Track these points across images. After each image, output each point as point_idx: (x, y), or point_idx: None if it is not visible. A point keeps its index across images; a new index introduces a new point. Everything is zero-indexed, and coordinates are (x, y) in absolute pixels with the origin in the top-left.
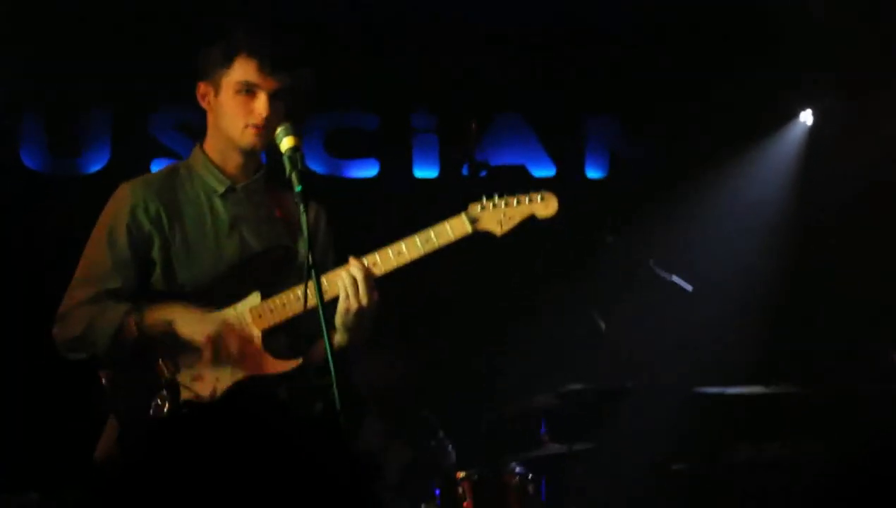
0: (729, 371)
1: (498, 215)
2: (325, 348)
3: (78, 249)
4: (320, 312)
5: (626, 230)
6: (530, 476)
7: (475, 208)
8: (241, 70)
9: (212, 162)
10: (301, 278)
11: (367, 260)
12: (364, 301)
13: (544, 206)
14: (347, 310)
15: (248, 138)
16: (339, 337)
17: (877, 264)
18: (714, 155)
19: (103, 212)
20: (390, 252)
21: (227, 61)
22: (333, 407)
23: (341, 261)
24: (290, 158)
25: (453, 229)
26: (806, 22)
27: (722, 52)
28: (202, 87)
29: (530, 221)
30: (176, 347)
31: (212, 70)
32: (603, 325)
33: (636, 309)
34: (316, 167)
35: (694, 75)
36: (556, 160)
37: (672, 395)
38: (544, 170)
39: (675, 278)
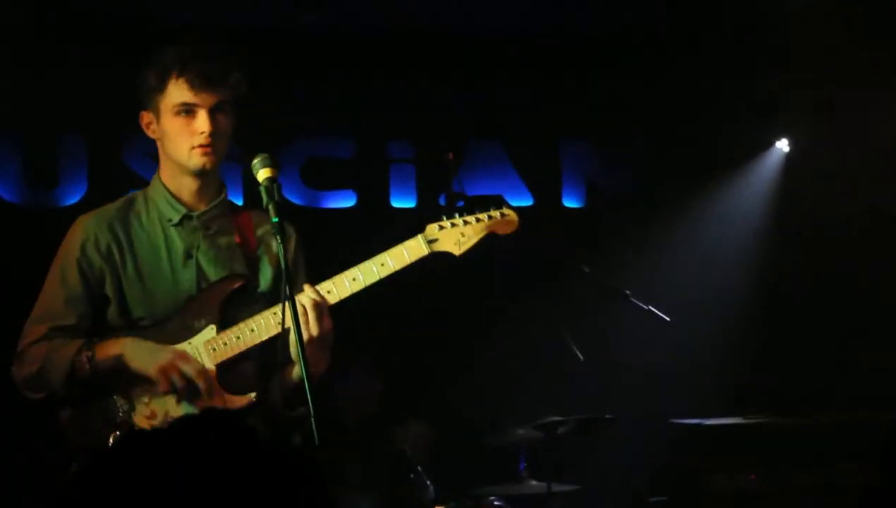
0: (706, 401)
1: (455, 235)
2: (301, 376)
3: None
4: (299, 339)
5: (603, 259)
6: None
7: (432, 229)
8: (176, 91)
9: (168, 190)
10: (258, 308)
11: (322, 288)
12: (314, 331)
13: (504, 223)
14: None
15: (195, 159)
16: (295, 369)
17: (853, 291)
18: (691, 184)
19: (59, 250)
20: (345, 279)
21: (161, 85)
22: (312, 440)
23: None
24: (267, 189)
25: (409, 252)
26: (782, 50)
27: (698, 81)
28: (145, 117)
29: (491, 239)
30: (130, 382)
31: (150, 97)
32: (581, 356)
33: (613, 339)
34: (293, 198)
35: (670, 104)
36: (533, 189)
37: (649, 426)
38: (521, 200)
39: (651, 308)
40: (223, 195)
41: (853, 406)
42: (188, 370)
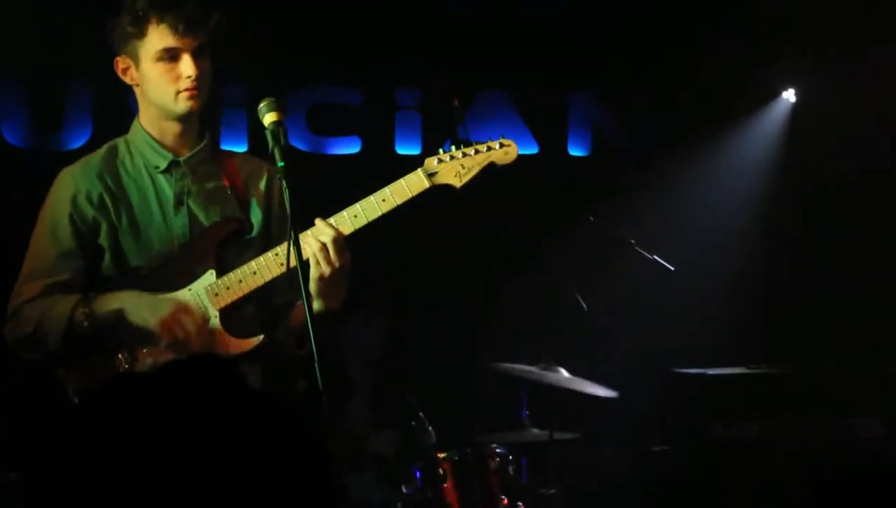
0: (709, 351)
1: (455, 167)
2: (305, 316)
3: None
4: (301, 280)
5: (609, 208)
6: (511, 457)
7: (431, 162)
8: (157, 37)
9: (150, 136)
10: (253, 250)
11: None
12: (337, 263)
13: (503, 154)
14: (321, 277)
15: (182, 103)
16: (315, 304)
17: (859, 244)
18: (698, 133)
19: (45, 203)
20: (346, 215)
21: (139, 31)
22: (316, 384)
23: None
24: (273, 133)
25: (410, 185)
26: (790, 2)
27: (705, 30)
28: (121, 62)
29: (491, 169)
30: (131, 336)
31: (125, 42)
32: (585, 305)
33: (618, 288)
34: (298, 144)
35: (677, 53)
36: (539, 138)
37: (652, 376)
38: (527, 148)
39: (656, 257)
40: (207, 139)
41: (855, 357)
42: (189, 323)
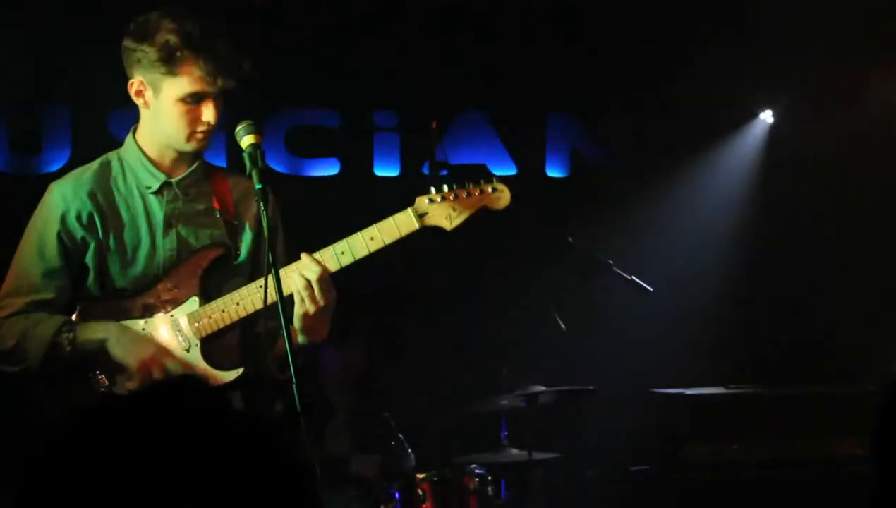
0: (688, 371)
1: (446, 209)
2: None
3: None
4: (280, 311)
5: (587, 229)
6: (490, 477)
7: (422, 202)
8: (187, 81)
9: (146, 155)
10: (240, 278)
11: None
12: (322, 302)
13: (496, 198)
14: (305, 314)
15: (193, 144)
16: (299, 339)
17: (837, 262)
18: (675, 154)
19: (33, 218)
20: (332, 251)
21: (169, 67)
22: (294, 408)
23: (291, 253)
24: (251, 155)
25: (399, 225)
26: (767, 20)
27: (682, 52)
28: (137, 85)
29: (483, 213)
30: (110, 365)
31: (147, 71)
32: (563, 326)
33: (596, 309)
34: (277, 166)
35: (654, 74)
36: (517, 158)
37: (631, 396)
38: (505, 169)
39: (634, 278)
40: (200, 159)
41: (835, 378)
42: (170, 365)
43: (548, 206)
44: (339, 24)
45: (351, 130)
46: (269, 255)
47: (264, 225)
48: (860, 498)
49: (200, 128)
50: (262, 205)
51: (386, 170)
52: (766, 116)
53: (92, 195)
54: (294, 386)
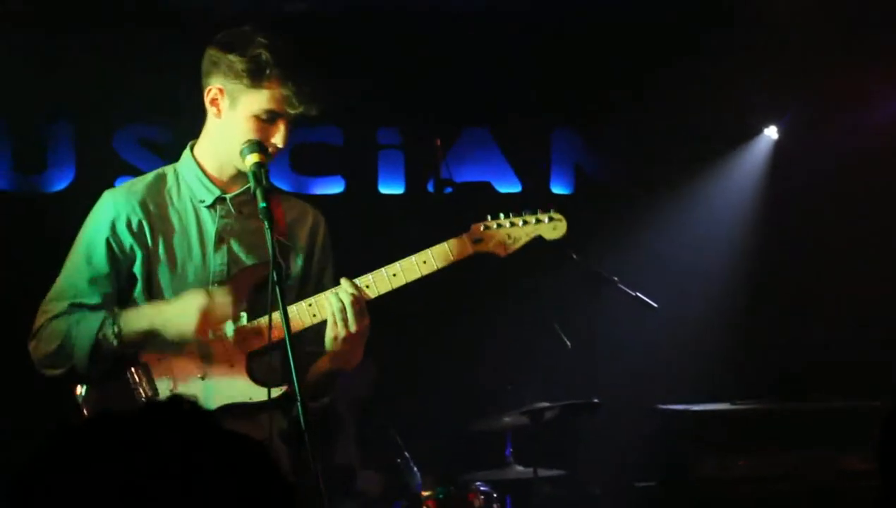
0: (694, 387)
1: (502, 236)
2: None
3: (43, 266)
4: (286, 335)
5: (592, 245)
6: (495, 494)
7: (478, 228)
8: (270, 97)
9: (202, 169)
10: (291, 297)
11: (360, 282)
12: (353, 328)
13: (552, 228)
14: (335, 337)
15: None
16: (329, 363)
17: (843, 277)
18: (680, 171)
19: (84, 224)
20: (385, 273)
21: (255, 81)
22: (298, 426)
23: (342, 274)
24: (255, 174)
25: (453, 250)
26: (771, 36)
27: (686, 68)
28: (214, 91)
29: (537, 242)
30: (156, 348)
31: (231, 78)
32: (568, 342)
33: (600, 325)
34: (281, 184)
35: (659, 90)
36: (522, 176)
37: (637, 412)
38: (510, 186)
39: (639, 294)
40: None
41: (842, 392)
42: (220, 313)
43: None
44: (342, 42)
45: (355, 148)
46: (273, 274)
47: (269, 243)
48: None
49: (268, 149)
50: (266, 223)
51: (391, 187)
52: (771, 132)
53: (143, 204)
54: (299, 403)
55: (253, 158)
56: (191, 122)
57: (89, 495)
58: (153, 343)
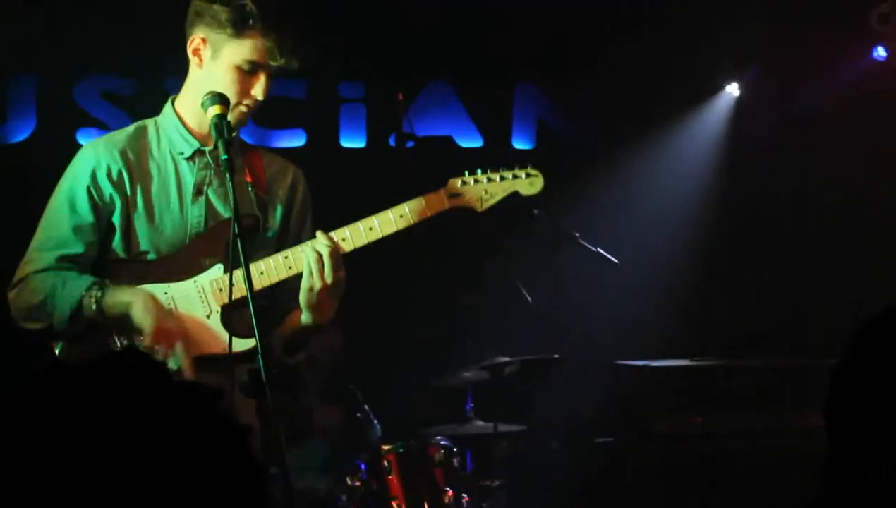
0: (654, 343)
1: (479, 191)
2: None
3: (4, 217)
4: (248, 290)
5: (553, 201)
6: (455, 449)
7: (455, 183)
8: (252, 48)
9: (182, 122)
10: (267, 250)
11: (336, 235)
12: (329, 279)
13: (529, 183)
14: (311, 289)
15: (237, 116)
16: (303, 317)
17: (802, 238)
18: (641, 126)
19: (65, 174)
20: (361, 227)
21: (239, 31)
22: (259, 378)
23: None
24: (216, 126)
25: (430, 204)
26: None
27: (648, 23)
28: (196, 40)
29: (513, 197)
30: (130, 326)
31: (214, 28)
32: (529, 298)
33: (562, 281)
34: (243, 137)
35: (621, 47)
36: (483, 131)
37: (597, 368)
38: (471, 141)
39: (600, 250)
40: (236, 132)
41: (798, 350)
42: (179, 352)
43: None
44: None
45: (317, 101)
46: (235, 227)
47: (230, 195)
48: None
49: (246, 101)
50: (227, 175)
51: (352, 141)
52: (733, 89)
53: (123, 154)
54: (259, 356)
55: (215, 110)
56: (153, 74)
57: (35, 449)
58: (124, 321)
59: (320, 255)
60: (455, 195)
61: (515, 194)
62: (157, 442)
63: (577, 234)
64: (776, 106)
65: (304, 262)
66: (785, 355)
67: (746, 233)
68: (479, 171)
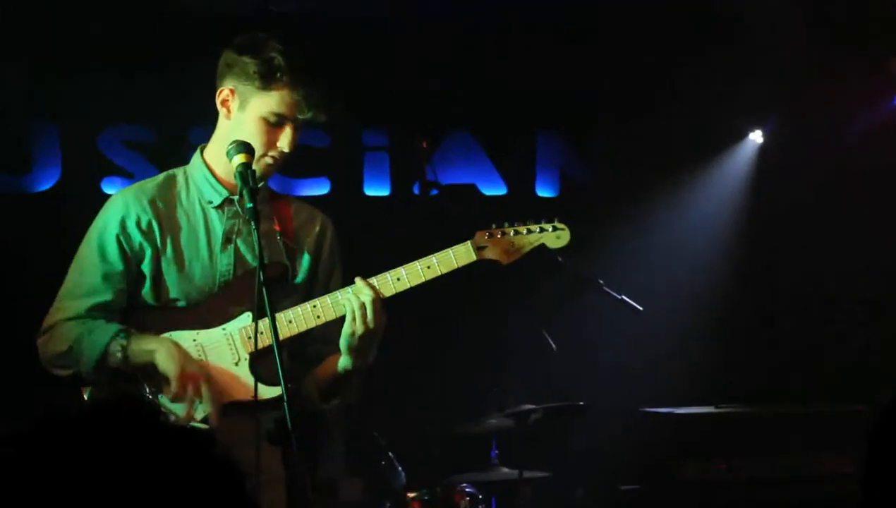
0: (677, 391)
1: (506, 245)
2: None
3: (31, 265)
4: (273, 339)
5: (577, 249)
6: (480, 496)
7: (482, 236)
8: (279, 101)
9: (211, 171)
10: (295, 298)
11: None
12: (372, 324)
13: (556, 237)
14: (353, 333)
15: (262, 167)
16: (342, 361)
17: (827, 285)
18: (665, 175)
19: (94, 223)
20: (389, 277)
21: (266, 84)
22: (284, 426)
23: (349, 278)
24: (241, 174)
25: (457, 257)
26: (755, 41)
27: (671, 72)
28: (225, 92)
29: (539, 251)
30: (157, 374)
31: (243, 80)
32: (553, 345)
33: (586, 328)
34: (268, 185)
35: (644, 94)
36: (507, 179)
37: (621, 415)
38: (495, 189)
39: (624, 298)
40: (264, 182)
41: (824, 398)
42: (206, 398)
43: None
44: (329, 43)
45: (341, 149)
46: (261, 274)
47: (255, 244)
48: None
49: (272, 152)
50: (252, 224)
51: (376, 189)
52: (756, 136)
53: (153, 203)
54: (285, 403)
55: (240, 159)
56: (175, 123)
57: (29, 497)
58: (150, 368)
59: (363, 303)
60: (482, 247)
61: (542, 247)
62: (150, 488)
63: (601, 281)
64: (800, 153)
65: (348, 309)
66: (810, 401)
67: (772, 281)
68: (507, 224)
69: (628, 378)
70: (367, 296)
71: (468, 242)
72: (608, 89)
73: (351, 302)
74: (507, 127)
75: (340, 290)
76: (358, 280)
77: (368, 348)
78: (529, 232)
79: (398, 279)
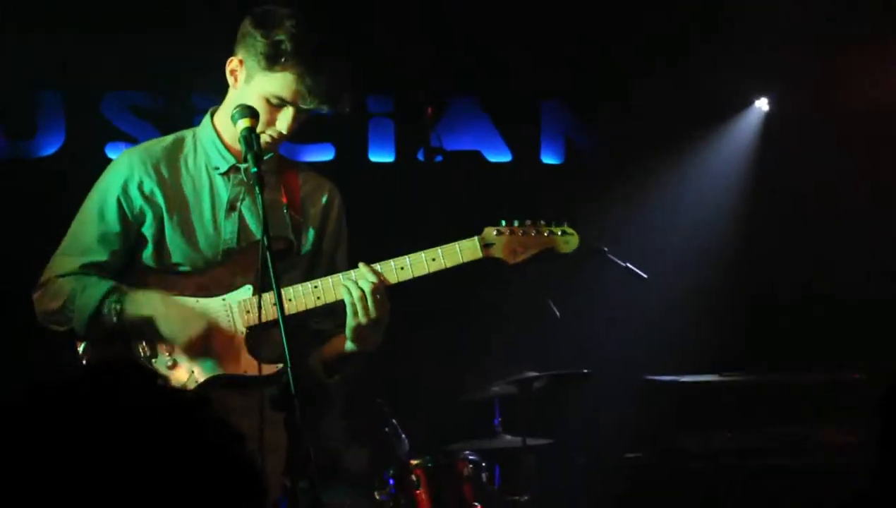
0: (682, 358)
1: (513, 244)
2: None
3: (35, 230)
4: (280, 316)
5: (582, 216)
6: (484, 464)
7: (490, 233)
8: (282, 84)
9: (220, 137)
10: (298, 272)
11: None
12: (373, 315)
13: (564, 242)
14: (357, 324)
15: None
16: (348, 345)
17: (834, 251)
18: (670, 141)
19: (97, 182)
20: (392, 265)
21: (270, 66)
22: (288, 390)
23: (354, 252)
24: (246, 139)
25: (463, 252)
26: (763, 8)
27: (676, 39)
28: (235, 61)
29: (547, 255)
30: (154, 335)
31: (251, 56)
32: (558, 313)
33: (591, 296)
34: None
35: (649, 63)
36: (512, 146)
37: (625, 383)
38: (500, 156)
39: (629, 265)
40: (274, 152)
41: (829, 365)
42: (216, 343)
43: (542, 193)
44: (334, 8)
45: (345, 116)
46: (265, 239)
47: (259, 209)
48: (852, 486)
49: (270, 132)
50: (257, 189)
51: (381, 155)
52: (762, 104)
53: (158, 168)
54: (288, 369)
55: (244, 123)
56: (179, 88)
57: (21, 464)
58: (147, 330)
59: (364, 292)
60: (489, 245)
61: (549, 251)
62: (148, 454)
63: (605, 249)
64: (806, 120)
65: (347, 300)
66: (817, 369)
67: (777, 248)
68: (517, 222)
69: (633, 345)
70: (367, 285)
71: (475, 238)
72: (613, 56)
73: (351, 292)
74: (513, 94)
75: (343, 274)
76: (362, 265)
77: (373, 335)
78: (538, 233)
79: (402, 268)
